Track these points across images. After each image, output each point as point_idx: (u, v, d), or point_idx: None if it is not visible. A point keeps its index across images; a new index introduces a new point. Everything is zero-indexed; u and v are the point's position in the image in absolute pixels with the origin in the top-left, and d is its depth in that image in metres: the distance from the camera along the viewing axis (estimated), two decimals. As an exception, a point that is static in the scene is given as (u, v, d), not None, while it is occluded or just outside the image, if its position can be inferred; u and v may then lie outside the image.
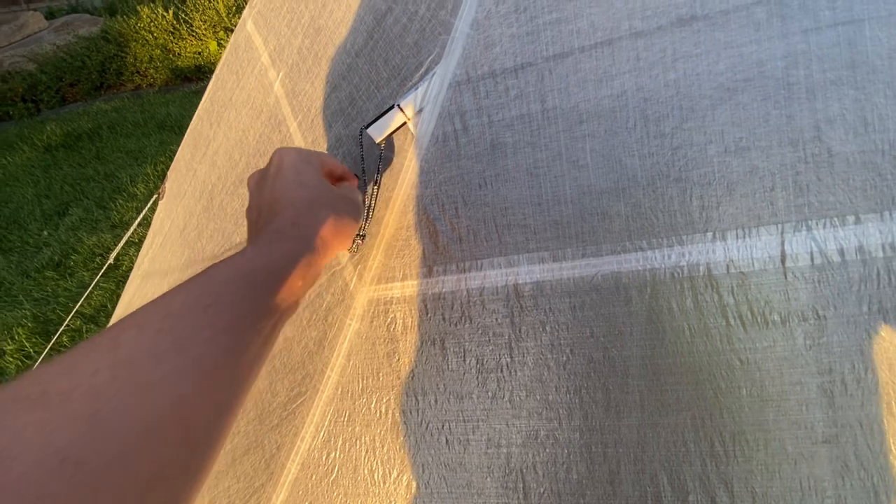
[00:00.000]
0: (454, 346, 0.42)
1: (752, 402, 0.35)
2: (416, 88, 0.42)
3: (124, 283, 1.99)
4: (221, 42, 4.00)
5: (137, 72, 4.13)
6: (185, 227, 0.82)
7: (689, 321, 0.35)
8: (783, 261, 0.33)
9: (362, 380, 0.45)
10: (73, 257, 2.19)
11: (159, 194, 0.98)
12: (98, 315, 1.85)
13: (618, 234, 0.37)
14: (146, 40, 4.10)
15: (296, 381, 0.49)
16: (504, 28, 0.39)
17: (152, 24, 4.12)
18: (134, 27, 4.13)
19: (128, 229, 2.34)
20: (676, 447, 0.36)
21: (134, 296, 1.06)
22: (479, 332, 0.41)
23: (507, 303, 0.40)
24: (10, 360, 1.76)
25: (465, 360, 0.41)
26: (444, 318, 0.42)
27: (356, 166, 0.46)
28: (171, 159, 2.76)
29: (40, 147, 3.15)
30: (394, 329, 0.44)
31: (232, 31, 4.02)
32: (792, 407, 0.34)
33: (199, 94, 3.57)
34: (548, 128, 0.38)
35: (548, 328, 0.39)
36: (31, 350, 1.78)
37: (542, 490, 0.39)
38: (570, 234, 0.38)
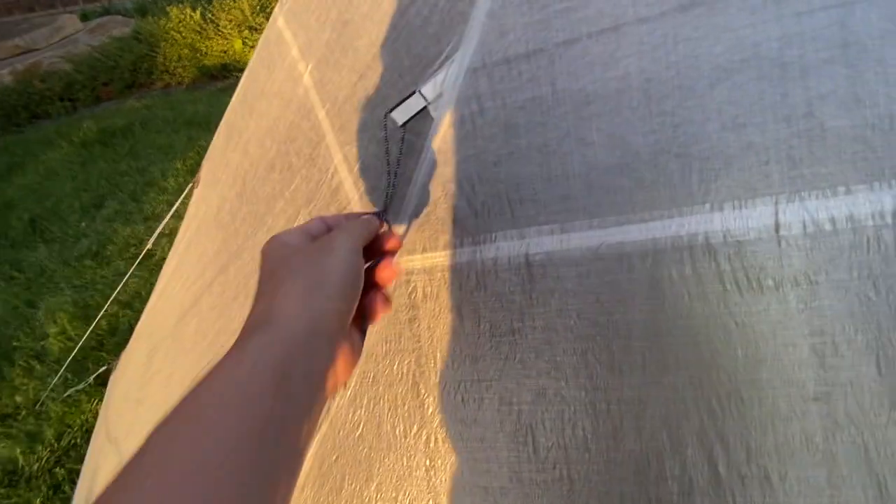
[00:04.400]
0: (470, 313, 0.45)
1: (747, 362, 0.37)
2: (437, 75, 0.46)
3: (157, 270, 2.09)
4: (246, 41, 4.11)
5: (167, 71, 4.28)
6: (218, 212, 0.88)
7: (688, 287, 0.38)
8: (777, 230, 0.36)
9: (385, 343, 0.49)
10: (109, 247, 2.31)
11: (194, 183, 1.04)
12: (133, 301, 1.95)
13: (621, 207, 0.40)
14: (175, 40, 4.24)
15: (324, 347, 0.53)
16: (517, 17, 0.42)
17: (181, 24, 4.26)
18: (164, 28, 4.28)
19: (159, 221, 2.44)
20: (675, 405, 0.39)
21: (170, 279, 1.13)
22: (493, 299, 0.44)
23: (519, 272, 0.43)
24: (54, 341, 1.87)
25: (479, 325, 0.45)
26: (460, 287, 0.46)
27: (381, 149, 0.50)
28: (200, 154, 2.87)
29: (77, 143, 3.31)
30: (414, 297, 0.48)
31: (256, 29, 4.12)
32: (785, 367, 0.36)
33: (225, 91, 3.68)
34: (557, 109, 0.41)
35: (556, 295, 0.42)
36: (73, 333, 1.89)
37: (549, 444, 0.42)
38: (578, 207, 0.41)
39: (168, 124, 3.39)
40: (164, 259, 2.22)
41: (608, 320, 0.40)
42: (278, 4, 0.78)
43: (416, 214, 0.48)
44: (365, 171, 0.54)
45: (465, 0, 0.45)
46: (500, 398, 0.44)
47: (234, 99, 0.90)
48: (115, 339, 1.83)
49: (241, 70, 4.10)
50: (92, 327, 1.62)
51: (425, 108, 0.46)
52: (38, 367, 1.78)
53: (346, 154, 0.56)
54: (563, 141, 0.41)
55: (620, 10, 0.39)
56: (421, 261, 0.47)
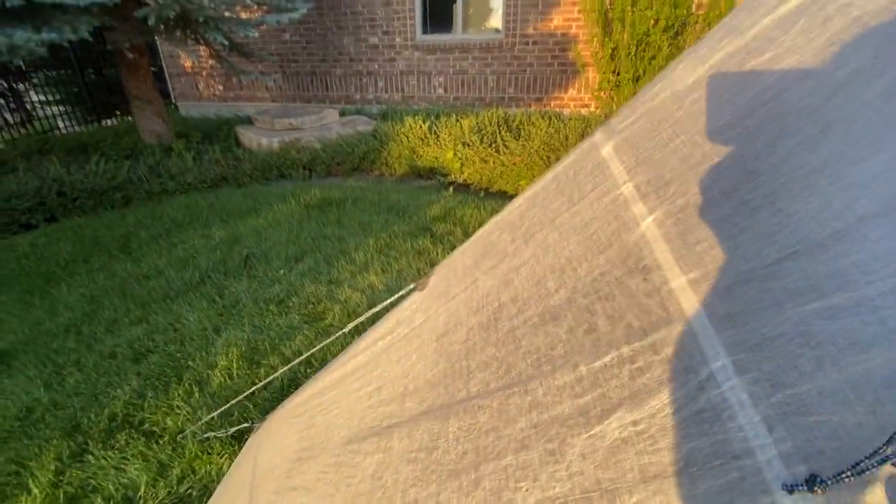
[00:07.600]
0: None
1: None
2: None
3: (323, 334, 2.11)
4: (457, 152, 4.60)
5: (385, 163, 5.00)
6: (445, 334, 0.73)
7: None
8: None
9: None
10: (293, 299, 2.49)
11: (417, 285, 0.95)
12: (293, 358, 1.97)
13: None
14: (401, 141, 4.98)
15: None
16: None
17: (410, 130, 5.03)
18: (396, 131, 5.10)
19: (340, 286, 2.58)
20: None
21: (348, 376, 1.02)
22: None
23: None
24: (218, 374, 1.96)
25: None
26: None
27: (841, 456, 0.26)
28: (390, 237, 3.02)
29: (302, 204, 3.91)
30: None
31: (467, 144, 4.62)
32: None
33: (426, 189, 4.03)
34: None
35: None
36: (235, 371, 1.97)
37: None
38: None
39: (373, 206, 3.81)
40: (331, 326, 2.27)
41: None
42: (604, 127, 0.66)
43: None
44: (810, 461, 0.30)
45: None
46: None
47: (500, 216, 0.79)
48: (265, 394, 1.83)
49: (444, 174, 4.53)
50: (249, 392, 1.63)
51: None
52: (196, 394, 1.86)
53: (738, 364, 0.35)
54: None
55: None
56: None
